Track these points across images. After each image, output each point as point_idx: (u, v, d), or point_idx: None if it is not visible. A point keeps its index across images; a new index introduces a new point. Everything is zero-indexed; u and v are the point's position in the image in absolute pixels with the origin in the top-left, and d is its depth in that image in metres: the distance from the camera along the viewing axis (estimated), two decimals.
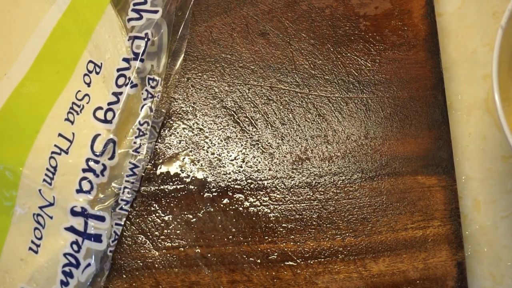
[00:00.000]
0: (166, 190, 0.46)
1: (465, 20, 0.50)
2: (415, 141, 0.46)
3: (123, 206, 0.45)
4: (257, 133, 0.47)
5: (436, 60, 0.47)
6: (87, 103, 0.46)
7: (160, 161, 0.47)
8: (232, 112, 0.47)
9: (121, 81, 0.46)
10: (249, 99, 0.48)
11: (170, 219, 0.46)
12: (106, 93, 0.46)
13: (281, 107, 0.47)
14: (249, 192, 0.46)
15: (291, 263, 0.45)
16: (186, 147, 0.47)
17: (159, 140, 0.47)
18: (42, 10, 0.47)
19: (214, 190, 0.46)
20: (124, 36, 0.47)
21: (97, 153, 0.44)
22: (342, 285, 0.45)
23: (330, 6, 0.49)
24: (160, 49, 0.47)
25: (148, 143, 0.46)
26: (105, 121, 0.45)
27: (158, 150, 0.47)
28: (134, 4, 0.47)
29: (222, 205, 0.46)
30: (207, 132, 0.47)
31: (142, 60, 0.46)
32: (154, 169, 0.46)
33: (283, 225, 0.45)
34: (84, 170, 0.44)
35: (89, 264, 0.44)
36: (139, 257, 0.45)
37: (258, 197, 0.46)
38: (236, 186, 0.46)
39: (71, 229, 0.44)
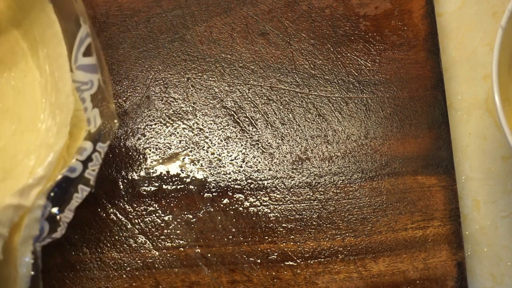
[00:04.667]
0: (166, 190, 0.46)
1: (465, 20, 0.50)
2: (415, 141, 0.46)
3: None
4: (257, 133, 0.47)
5: (436, 60, 0.47)
6: None
7: (160, 161, 0.47)
8: (232, 112, 0.47)
9: None
10: (249, 99, 0.48)
11: (170, 219, 0.46)
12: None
13: (281, 107, 0.47)
14: (249, 192, 0.46)
15: (291, 263, 0.45)
16: (186, 147, 0.47)
17: (159, 140, 0.47)
18: None
19: (214, 190, 0.46)
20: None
21: None
22: (342, 285, 0.45)
23: (330, 6, 0.49)
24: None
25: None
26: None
27: (158, 149, 0.47)
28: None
29: (222, 205, 0.46)
30: (207, 132, 0.47)
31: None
32: (154, 169, 0.46)
33: (283, 225, 0.45)
34: None
35: None
36: (139, 257, 0.45)
37: (258, 197, 0.46)
38: (236, 186, 0.46)
39: None
